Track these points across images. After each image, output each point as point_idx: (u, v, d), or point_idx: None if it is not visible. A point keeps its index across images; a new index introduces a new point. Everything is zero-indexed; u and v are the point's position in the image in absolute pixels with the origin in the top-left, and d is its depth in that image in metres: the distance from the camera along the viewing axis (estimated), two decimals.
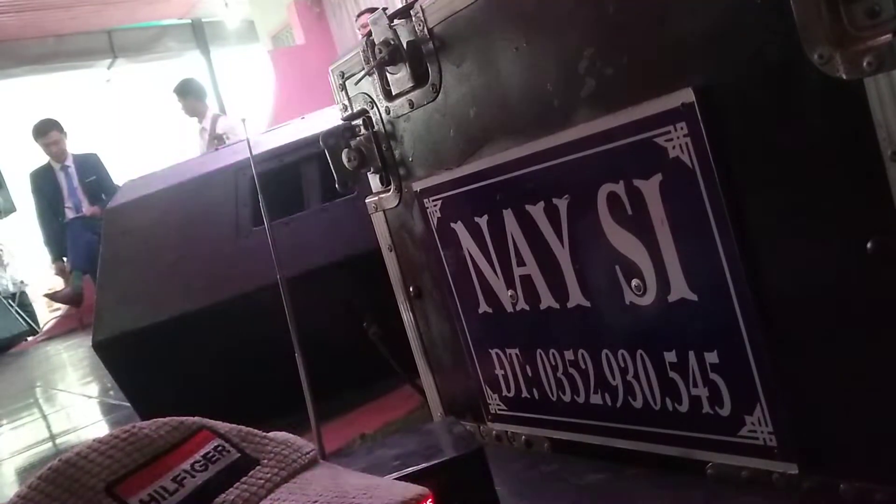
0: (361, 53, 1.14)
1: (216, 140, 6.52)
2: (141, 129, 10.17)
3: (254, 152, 2.28)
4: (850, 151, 0.65)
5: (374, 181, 1.24)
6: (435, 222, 1.11)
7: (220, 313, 1.93)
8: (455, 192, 1.06)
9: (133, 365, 2.00)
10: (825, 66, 0.64)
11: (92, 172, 6.58)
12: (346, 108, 1.23)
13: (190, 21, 10.15)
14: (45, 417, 3.22)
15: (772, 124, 0.69)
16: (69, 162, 6.49)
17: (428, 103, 1.07)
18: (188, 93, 6.59)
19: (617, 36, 0.80)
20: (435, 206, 1.10)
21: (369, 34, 1.11)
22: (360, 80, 1.15)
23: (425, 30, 1.03)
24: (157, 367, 2.00)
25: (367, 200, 1.25)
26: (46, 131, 6.22)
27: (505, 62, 0.94)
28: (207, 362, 1.97)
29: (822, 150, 0.67)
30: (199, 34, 10.19)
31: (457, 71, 1.01)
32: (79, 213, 6.32)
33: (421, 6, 1.03)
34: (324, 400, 2.09)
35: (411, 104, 1.10)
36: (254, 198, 2.12)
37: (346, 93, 1.23)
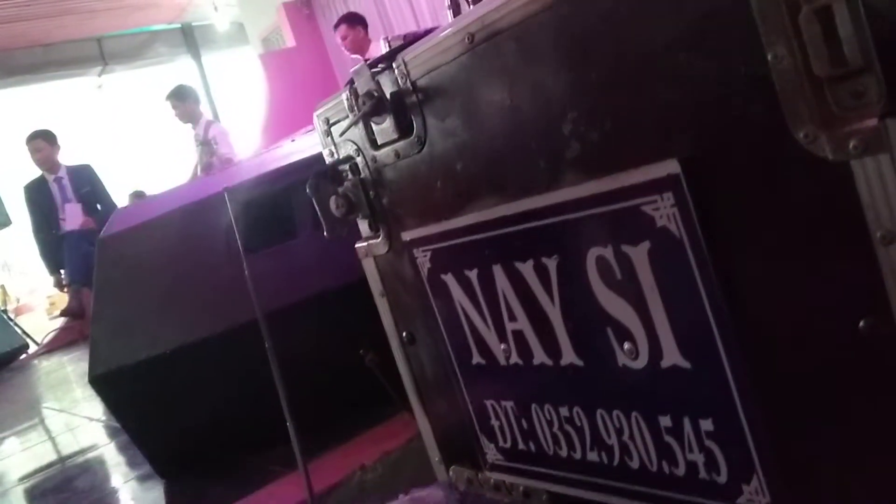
0: (345, 100, 1.13)
1: (206, 146, 6.49)
2: (133, 135, 10.16)
3: (243, 177, 2.27)
4: (838, 230, 0.64)
5: (363, 226, 1.22)
6: (425, 272, 1.10)
7: (217, 345, 1.92)
8: (444, 245, 1.05)
9: (131, 400, 1.99)
10: (811, 145, 0.63)
11: (86, 183, 6.55)
12: (332, 154, 1.22)
13: (180, 26, 10.13)
14: (52, 440, 3.21)
15: (760, 198, 0.68)
16: (62, 173, 6.47)
17: (414, 155, 1.06)
18: (186, 97, 6.55)
19: (601, 101, 0.79)
20: (425, 256, 1.09)
21: (352, 82, 1.10)
22: (344, 131, 1.13)
23: (408, 82, 1.02)
24: (155, 402, 1.99)
25: (356, 246, 1.24)
26: (32, 139, 6.19)
27: (489, 119, 0.93)
28: (207, 395, 1.96)
29: (811, 226, 0.66)
30: (190, 39, 10.17)
31: (441, 125, 1.00)
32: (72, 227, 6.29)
33: (403, 59, 1.01)
34: (322, 427, 2.09)
35: (397, 154, 1.08)
36: (247, 225, 2.11)
37: (332, 139, 1.21)
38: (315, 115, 1.24)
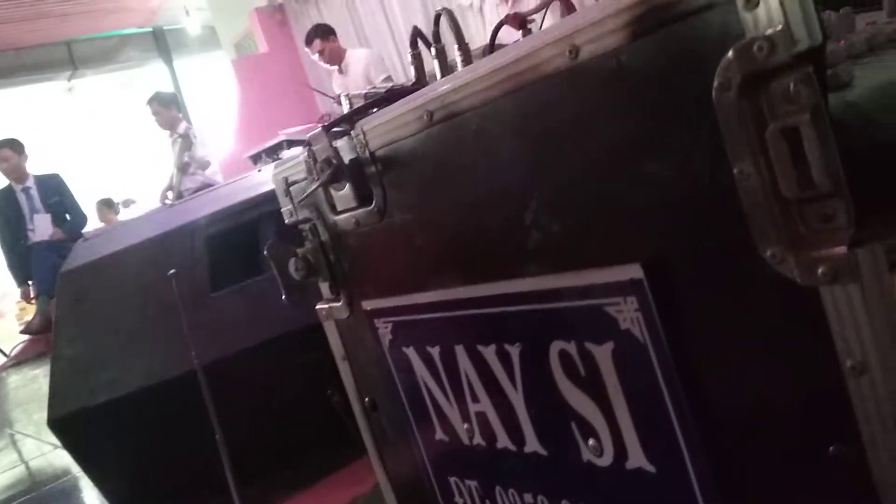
0: (304, 162, 1.09)
1: (184, 139, 6.37)
2: (104, 140, 10.00)
3: (208, 210, 2.22)
4: (808, 353, 0.61)
5: (324, 288, 1.18)
6: (387, 343, 1.06)
7: (179, 387, 1.87)
8: (406, 319, 1.01)
9: (92, 442, 1.94)
10: (779, 265, 0.60)
11: (54, 193, 6.45)
12: (291, 214, 1.18)
13: (151, 29, 9.99)
14: (25, 464, 3.14)
15: (727, 310, 0.65)
16: (30, 183, 6.37)
17: (374, 224, 1.02)
18: (169, 103, 6.44)
19: (563, 196, 0.75)
20: (386, 328, 1.05)
21: (310, 144, 1.06)
22: (302, 199, 1.09)
23: (367, 152, 0.98)
24: (117, 444, 1.94)
25: (317, 307, 1.20)
26: None
27: (449, 198, 0.89)
28: (170, 438, 1.92)
29: (779, 346, 0.63)
30: (161, 42, 10.03)
31: (402, 198, 0.96)
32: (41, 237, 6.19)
33: (362, 128, 0.98)
34: (292, 466, 2.04)
35: (357, 223, 1.05)
36: (212, 261, 2.06)
37: (291, 198, 1.17)
38: (273, 173, 1.20)
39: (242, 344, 1.87)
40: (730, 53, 0.57)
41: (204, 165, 6.24)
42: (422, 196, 0.93)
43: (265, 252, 1.17)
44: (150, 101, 5.98)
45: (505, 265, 0.84)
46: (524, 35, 1.28)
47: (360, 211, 1.03)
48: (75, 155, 9.27)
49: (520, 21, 1.27)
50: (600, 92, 0.68)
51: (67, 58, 9.63)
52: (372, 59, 6.33)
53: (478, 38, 6.20)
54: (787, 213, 0.59)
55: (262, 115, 7.42)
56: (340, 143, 1.02)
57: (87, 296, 2.09)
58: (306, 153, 1.08)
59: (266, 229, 2.09)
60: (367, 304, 1.07)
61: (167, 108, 6.05)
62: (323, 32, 6.13)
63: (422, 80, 1.17)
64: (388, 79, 6.14)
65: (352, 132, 0.99)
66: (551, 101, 0.73)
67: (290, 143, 6.34)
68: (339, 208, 1.06)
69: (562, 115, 0.72)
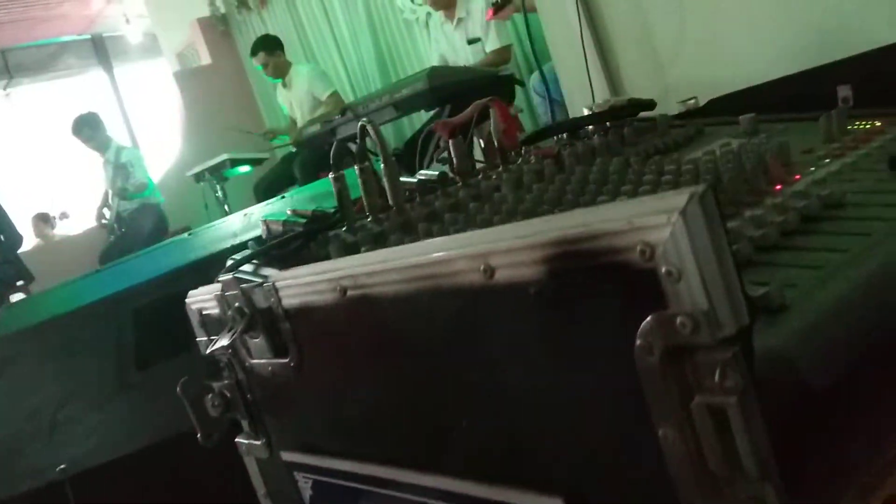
0: (217, 299, 1.03)
1: (119, 170, 6.24)
2: (42, 150, 9.70)
3: (137, 277, 2.13)
4: None
5: (244, 424, 1.12)
6: (307, 498, 1.00)
7: (105, 477, 1.78)
8: (326, 480, 0.95)
9: None
10: None
11: None
12: (206, 346, 1.11)
13: (90, 36, 9.69)
14: None
15: None
16: None
17: (290, 378, 0.96)
18: (97, 126, 6.27)
19: (484, 408, 0.70)
20: (306, 483, 0.99)
21: (223, 289, 0.99)
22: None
23: (280, 309, 0.92)
24: None
25: (236, 440, 1.13)
26: None
27: (367, 375, 0.83)
28: None
29: None
30: (101, 50, 9.75)
31: (319, 359, 0.90)
32: None
33: (275, 285, 0.91)
34: None
35: (273, 372, 0.98)
36: (139, 337, 1.97)
37: (206, 330, 1.10)
38: (186, 301, 1.13)
39: (166, 431, 1.79)
40: (651, 320, 0.52)
41: (141, 188, 6.10)
42: (339, 364, 0.88)
43: (178, 390, 1.11)
44: (79, 131, 5.81)
45: (419, 458, 0.78)
46: (454, 144, 1.22)
47: (276, 362, 0.97)
48: (11, 166, 8.98)
49: (450, 130, 1.21)
50: (518, 318, 0.63)
51: (2, 66, 9.31)
52: (316, 74, 6.24)
53: (424, 52, 6.14)
54: (715, 487, 0.54)
55: (206, 129, 7.25)
56: (255, 294, 0.95)
57: (4, 374, 1.98)
58: (221, 292, 1.02)
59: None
60: (287, 456, 1.01)
61: (97, 131, 5.89)
62: (269, 46, 6.03)
63: (347, 209, 1.11)
64: (334, 95, 6.06)
65: (265, 284, 0.93)
66: (468, 314, 0.67)
67: (234, 162, 6.22)
68: (255, 356, 1.00)
69: (480, 330, 0.67)
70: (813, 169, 0.98)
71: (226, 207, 6.02)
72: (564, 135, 1.41)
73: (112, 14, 8.74)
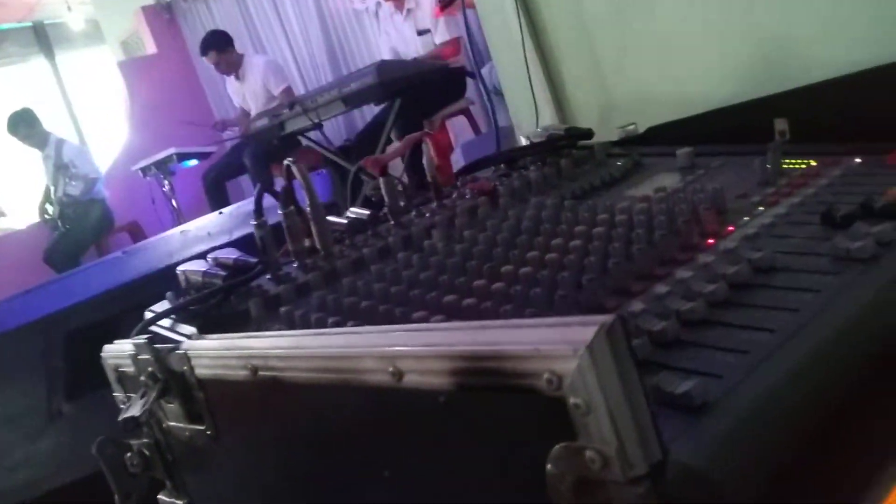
0: (131, 359, 0.97)
1: (62, 170, 6.08)
2: None
3: (69, 299, 2.05)
4: None
5: (166, 482, 1.07)
6: None
7: None
8: None
9: None
10: None
11: None
12: (123, 404, 1.06)
13: (31, 24, 9.38)
14: None
15: None
16: None
17: (207, 446, 0.91)
18: (34, 121, 6.09)
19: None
20: None
21: (138, 351, 0.94)
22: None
23: (193, 378, 0.87)
24: None
25: (158, 497, 1.08)
26: None
27: (276, 455, 0.79)
28: None
29: None
30: (42, 38, 9.44)
31: (234, 431, 0.86)
32: None
33: (187, 353, 0.86)
34: None
35: (190, 437, 0.94)
36: (70, 364, 1.91)
37: (123, 387, 1.05)
38: (102, 355, 1.07)
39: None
40: (560, 449, 0.49)
41: (90, 185, 5.95)
42: (253, 439, 0.83)
43: (94, 450, 1.05)
44: (16, 129, 5.63)
45: None
46: (385, 181, 1.18)
47: (193, 427, 0.92)
48: None
49: (381, 167, 1.17)
50: (427, 423, 0.59)
51: None
52: (271, 68, 6.11)
53: (374, 42, 6.06)
54: None
55: (153, 120, 7.08)
56: (170, 357, 0.90)
57: None
58: (135, 352, 0.96)
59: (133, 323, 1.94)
60: None
61: (33, 127, 5.72)
62: (219, 44, 5.88)
63: (270, 257, 1.06)
64: (288, 90, 5.94)
65: (178, 351, 0.88)
66: (376, 411, 0.63)
67: (181, 157, 6.08)
68: (171, 421, 0.95)
69: (388, 430, 0.63)
70: (747, 219, 0.96)
71: (173, 202, 5.89)
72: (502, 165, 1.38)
73: (53, 1, 8.47)
